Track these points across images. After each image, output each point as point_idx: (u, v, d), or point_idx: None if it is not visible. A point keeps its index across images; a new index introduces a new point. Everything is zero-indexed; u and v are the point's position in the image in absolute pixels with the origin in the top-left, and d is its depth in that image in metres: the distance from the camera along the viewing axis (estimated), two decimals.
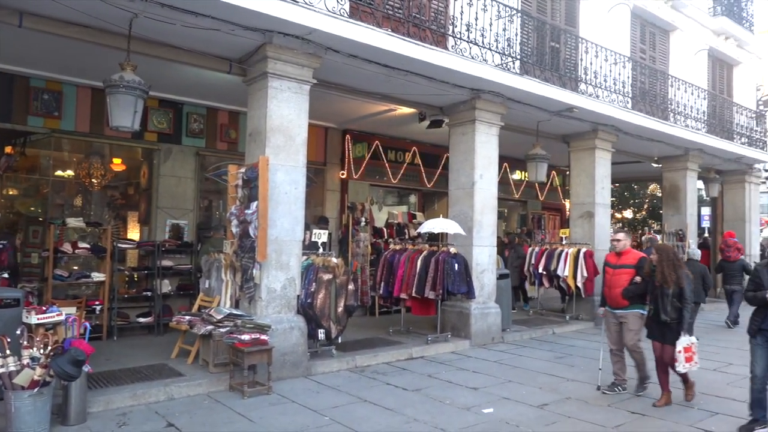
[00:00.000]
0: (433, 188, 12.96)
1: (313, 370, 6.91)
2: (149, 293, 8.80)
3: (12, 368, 4.54)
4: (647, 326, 5.98)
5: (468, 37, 7.99)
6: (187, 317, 6.93)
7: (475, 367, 7.42)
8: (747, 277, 9.07)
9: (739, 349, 8.26)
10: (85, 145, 9.15)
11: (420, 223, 10.78)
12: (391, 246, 9.55)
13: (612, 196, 16.01)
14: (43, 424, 4.58)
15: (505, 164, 13.68)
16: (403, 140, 12.37)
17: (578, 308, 11.21)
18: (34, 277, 8.37)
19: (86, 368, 4.94)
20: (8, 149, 8.55)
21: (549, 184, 16.03)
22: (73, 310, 5.99)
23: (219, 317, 6.39)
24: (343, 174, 11.56)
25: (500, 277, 9.61)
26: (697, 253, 9.99)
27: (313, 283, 7.06)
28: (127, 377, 6.08)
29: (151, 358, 6.95)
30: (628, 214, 27.08)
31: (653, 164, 14.50)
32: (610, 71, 10.66)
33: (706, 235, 18.30)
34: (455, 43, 7.98)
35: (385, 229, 12.05)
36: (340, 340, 7.57)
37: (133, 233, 9.86)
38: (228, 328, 6.22)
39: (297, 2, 6.15)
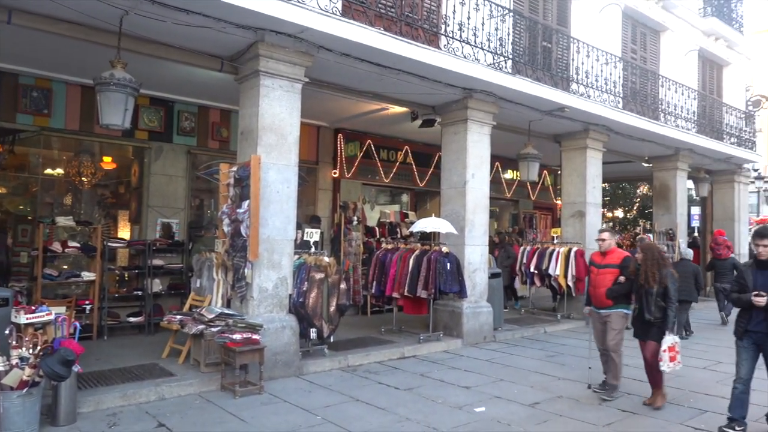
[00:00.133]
0: (426, 187, 12.98)
1: (305, 369, 6.89)
2: (140, 292, 8.74)
3: (1, 368, 4.49)
4: (633, 326, 5.94)
5: (460, 36, 8.00)
6: (179, 317, 6.89)
7: (467, 366, 7.44)
8: None
9: (728, 348, 8.25)
10: (75, 143, 9.08)
11: (412, 223, 10.80)
12: (384, 245, 9.55)
13: (603, 196, 16.09)
14: (32, 425, 4.54)
15: (497, 163, 13.73)
16: (396, 139, 12.37)
17: (569, 307, 11.26)
18: (23, 277, 8.31)
19: (76, 368, 4.90)
20: None
21: (540, 183, 16.09)
22: (62, 309, 5.91)
23: (210, 316, 6.36)
24: (335, 173, 11.54)
25: (492, 276, 9.64)
26: (690, 253, 10.07)
27: (305, 283, 7.04)
28: (118, 377, 6.04)
29: (141, 358, 6.91)
30: (618, 213, 27.25)
31: (644, 164, 14.60)
32: (602, 71, 10.71)
33: (696, 234, 18.45)
34: (447, 43, 7.99)
35: (377, 228, 12.05)
36: (332, 340, 7.56)
37: (124, 232, 9.81)
38: (219, 328, 6.19)
39: (289, 0, 6.13)
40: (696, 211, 19.98)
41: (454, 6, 7.95)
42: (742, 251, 16.06)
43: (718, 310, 11.45)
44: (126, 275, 9.21)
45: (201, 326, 6.33)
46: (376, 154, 12.06)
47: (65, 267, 8.44)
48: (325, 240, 10.81)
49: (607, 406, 5.76)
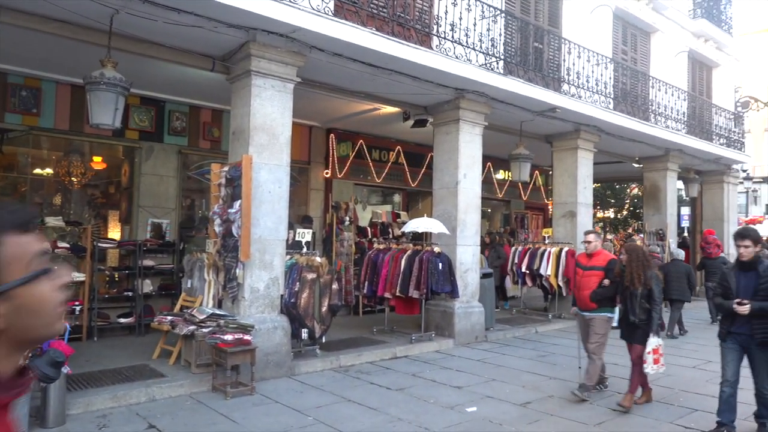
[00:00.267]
0: (418, 187, 12.99)
1: (297, 370, 6.88)
2: (130, 293, 8.68)
3: None
4: (620, 327, 5.91)
5: (452, 36, 8.01)
6: (169, 317, 6.86)
7: (459, 366, 7.45)
8: None
9: (717, 347, 8.34)
10: (64, 143, 9.01)
11: (404, 223, 10.81)
12: (376, 245, 9.55)
13: (594, 196, 16.16)
14: (20, 427, 4.49)
15: (489, 164, 13.76)
16: (388, 139, 12.37)
17: (561, 307, 11.30)
18: None
19: (65, 370, 4.86)
20: None
21: (532, 183, 16.14)
22: None
23: (201, 317, 6.33)
24: (327, 173, 11.53)
25: (483, 276, 9.66)
26: (681, 253, 10.15)
27: (297, 283, 7.02)
28: (108, 378, 5.99)
29: (132, 359, 6.86)
30: (609, 213, 27.40)
31: (634, 164, 14.69)
32: (593, 72, 10.77)
33: (686, 234, 18.58)
34: (440, 43, 8.00)
35: (369, 229, 12.05)
36: (324, 340, 7.55)
37: (114, 232, 9.73)
38: (211, 328, 6.16)
39: (281, 0, 6.11)
40: (686, 211, 20.14)
41: (446, 6, 7.96)
42: (731, 251, 16.15)
43: (708, 309, 11.53)
44: (116, 276, 9.15)
45: (192, 327, 6.29)
46: (368, 154, 12.05)
47: (55, 267, 8.34)
48: (316, 240, 10.78)
49: (598, 405, 5.79)
